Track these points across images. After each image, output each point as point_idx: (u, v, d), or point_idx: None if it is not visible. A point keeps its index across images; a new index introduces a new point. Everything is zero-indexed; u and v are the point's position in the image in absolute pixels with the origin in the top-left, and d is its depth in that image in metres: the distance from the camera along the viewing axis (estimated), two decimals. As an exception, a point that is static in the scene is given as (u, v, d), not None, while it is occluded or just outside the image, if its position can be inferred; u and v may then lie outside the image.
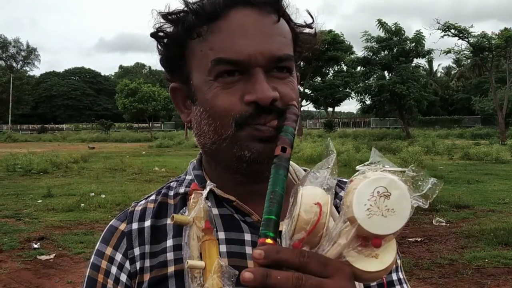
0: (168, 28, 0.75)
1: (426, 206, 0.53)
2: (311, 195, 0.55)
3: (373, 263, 0.53)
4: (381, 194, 0.52)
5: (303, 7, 0.79)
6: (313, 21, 0.79)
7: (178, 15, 0.73)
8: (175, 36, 0.74)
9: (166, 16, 0.74)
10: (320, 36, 0.81)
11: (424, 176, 0.54)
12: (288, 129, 0.67)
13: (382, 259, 0.53)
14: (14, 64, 68.62)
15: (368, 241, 0.53)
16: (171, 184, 0.83)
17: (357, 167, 0.56)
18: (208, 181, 0.70)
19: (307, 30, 0.79)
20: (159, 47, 0.77)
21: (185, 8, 0.73)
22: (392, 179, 0.52)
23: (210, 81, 0.71)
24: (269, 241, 0.54)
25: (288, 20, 0.76)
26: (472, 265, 5.11)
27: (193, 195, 0.70)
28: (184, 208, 0.72)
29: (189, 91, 0.76)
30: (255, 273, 0.51)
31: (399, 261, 0.82)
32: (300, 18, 0.78)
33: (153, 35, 0.76)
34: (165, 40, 0.76)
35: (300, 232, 0.54)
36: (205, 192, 0.69)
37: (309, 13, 0.79)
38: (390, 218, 0.51)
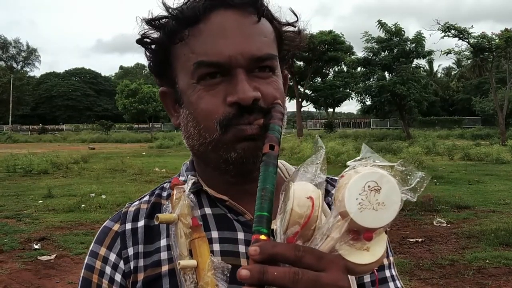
0: (154, 34, 0.76)
1: (415, 200, 0.54)
2: (303, 190, 0.56)
3: (365, 255, 0.54)
4: (372, 188, 0.53)
5: (294, 7, 0.80)
6: (297, 19, 0.79)
7: (160, 21, 0.74)
8: (159, 42, 0.75)
9: (149, 22, 0.75)
10: (305, 34, 0.81)
11: (412, 170, 0.55)
12: (274, 127, 0.67)
13: (373, 252, 0.55)
14: (15, 65, 68.75)
15: (359, 234, 0.54)
16: (165, 185, 0.83)
17: (348, 163, 0.57)
18: (189, 176, 0.71)
19: (292, 29, 0.79)
20: (147, 53, 0.78)
21: (167, 14, 0.73)
22: (382, 174, 0.53)
23: (193, 84, 0.72)
24: (262, 237, 0.54)
25: (271, 19, 0.76)
26: (473, 265, 5.11)
27: (175, 191, 0.70)
28: (167, 203, 0.73)
29: (176, 95, 0.77)
30: (252, 270, 0.51)
31: (391, 258, 0.83)
32: (284, 17, 0.78)
33: (138, 41, 0.77)
34: (152, 46, 0.77)
35: (294, 226, 0.55)
36: (187, 187, 0.69)
37: (293, 12, 0.79)
38: (380, 211, 0.53)
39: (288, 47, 0.79)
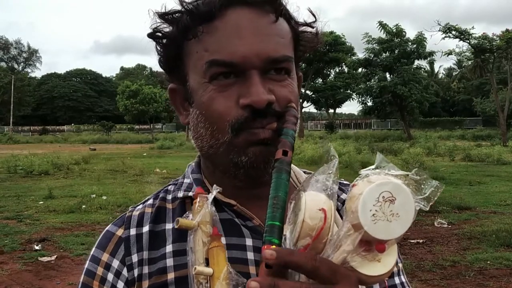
0: (166, 28, 0.73)
1: (427, 209, 0.53)
2: (315, 201, 0.54)
3: (377, 267, 0.53)
4: (386, 199, 0.51)
5: (305, 6, 0.77)
6: (316, 19, 0.76)
7: (174, 15, 0.72)
8: (171, 37, 0.72)
9: (162, 16, 0.72)
10: (322, 36, 0.78)
11: (427, 179, 0.53)
12: (288, 132, 0.65)
13: (385, 263, 0.53)
14: (16, 66, 68.81)
15: (371, 245, 0.53)
16: (169, 187, 0.80)
17: (360, 171, 0.56)
18: (214, 185, 0.69)
19: (308, 29, 0.76)
20: (157, 47, 0.75)
21: (181, 8, 0.71)
22: (397, 184, 0.52)
23: (205, 83, 0.69)
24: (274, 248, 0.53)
25: (288, 19, 0.73)
26: (474, 266, 5.09)
27: (198, 199, 0.69)
28: (187, 212, 0.71)
29: (187, 92, 0.74)
30: (262, 283, 0.49)
31: (400, 265, 0.81)
32: (301, 17, 0.76)
33: (150, 35, 0.74)
34: (163, 40, 0.74)
35: (305, 238, 0.53)
36: (211, 197, 0.68)
37: (311, 12, 0.76)
38: (394, 222, 0.51)
39: (304, 48, 0.76)
